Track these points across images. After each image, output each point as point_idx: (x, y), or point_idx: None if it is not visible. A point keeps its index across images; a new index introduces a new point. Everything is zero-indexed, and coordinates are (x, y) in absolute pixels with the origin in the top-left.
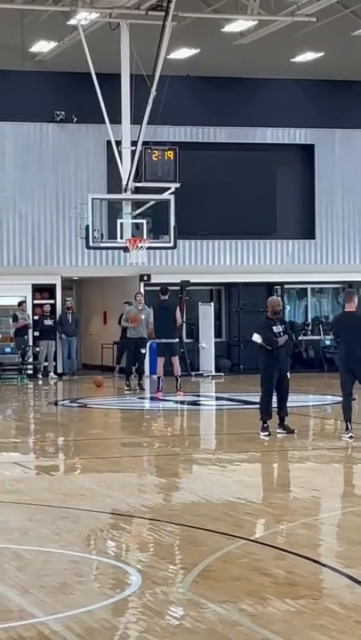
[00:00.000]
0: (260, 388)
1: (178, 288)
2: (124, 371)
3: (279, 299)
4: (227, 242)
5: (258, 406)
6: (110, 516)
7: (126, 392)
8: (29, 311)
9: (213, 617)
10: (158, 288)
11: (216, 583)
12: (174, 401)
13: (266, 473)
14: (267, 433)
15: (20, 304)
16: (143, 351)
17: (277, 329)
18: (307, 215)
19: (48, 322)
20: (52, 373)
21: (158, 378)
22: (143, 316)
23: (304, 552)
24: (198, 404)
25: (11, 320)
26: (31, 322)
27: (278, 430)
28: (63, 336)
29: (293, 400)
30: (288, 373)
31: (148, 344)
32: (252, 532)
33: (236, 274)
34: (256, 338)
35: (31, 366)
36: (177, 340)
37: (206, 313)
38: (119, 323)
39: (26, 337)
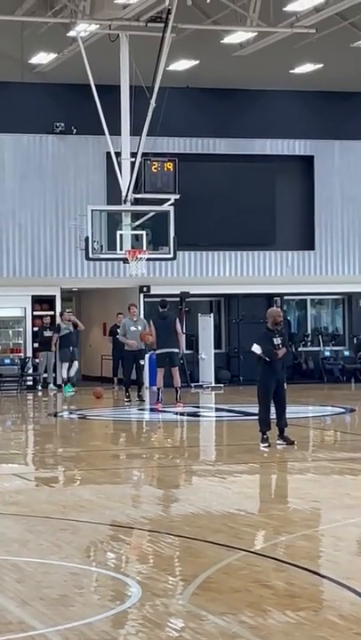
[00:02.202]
0: (258, 400)
1: (177, 299)
2: (122, 382)
3: (280, 310)
4: (226, 253)
5: (257, 418)
6: (110, 528)
7: (126, 403)
8: (29, 323)
9: (214, 629)
10: (158, 300)
11: (216, 595)
12: (174, 412)
13: (266, 484)
14: (267, 444)
15: (61, 314)
16: (142, 362)
17: (277, 341)
18: (306, 226)
19: (48, 333)
20: (51, 385)
21: (158, 389)
22: (140, 327)
23: (304, 564)
24: (198, 416)
25: (53, 332)
26: (73, 329)
27: (278, 442)
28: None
29: (293, 411)
30: (285, 384)
31: (147, 355)
32: (252, 543)
33: (235, 285)
34: (256, 349)
35: (30, 378)
36: (177, 349)
37: (206, 324)
38: (109, 334)
39: (71, 347)
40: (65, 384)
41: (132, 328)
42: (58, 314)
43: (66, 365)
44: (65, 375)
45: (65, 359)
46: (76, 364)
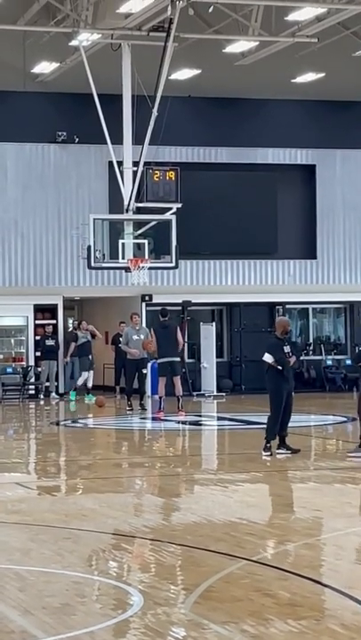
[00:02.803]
0: (270, 408)
1: (179, 308)
2: (124, 391)
3: (288, 319)
4: (228, 262)
5: (263, 426)
6: (112, 537)
7: (128, 412)
8: (31, 332)
9: (215, 638)
10: (160, 309)
11: (218, 604)
12: (176, 421)
13: (268, 493)
14: (269, 453)
15: (79, 323)
16: (145, 371)
17: (287, 349)
18: (308, 235)
19: (50, 342)
20: (53, 393)
21: (160, 398)
22: (142, 336)
23: (306, 573)
24: (200, 425)
25: (71, 340)
26: (91, 338)
27: (279, 450)
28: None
29: (295, 420)
30: (292, 393)
31: (148, 364)
32: (253, 552)
33: (237, 294)
34: (267, 358)
35: (33, 386)
36: (179, 358)
37: (208, 333)
38: (111, 343)
39: (90, 357)
40: (73, 390)
41: (135, 337)
42: (77, 323)
43: (85, 374)
44: (80, 383)
45: (85, 368)
46: (91, 372)
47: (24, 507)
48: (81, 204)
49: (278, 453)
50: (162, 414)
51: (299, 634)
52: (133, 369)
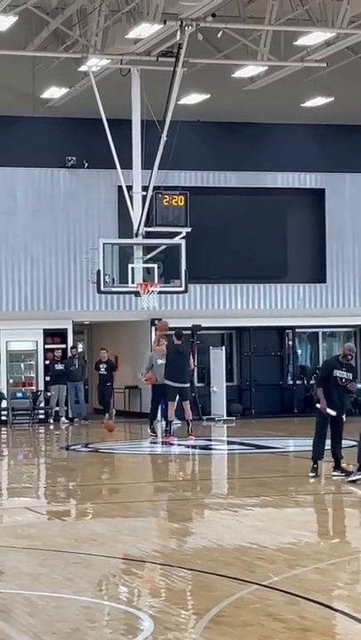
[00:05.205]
0: (315, 429)
1: (189, 332)
2: (149, 416)
3: (352, 345)
4: (238, 286)
5: (274, 450)
6: (122, 562)
7: (151, 437)
8: (41, 356)
9: None
10: (173, 332)
11: (228, 629)
12: (186, 445)
13: (278, 517)
14: (314, 474)
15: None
16: None
17: (341, 373)
18: (317, 259)
19: (59, 366)
20: (63, 418)
21: (170, 422)
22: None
23: (317, 597)
24: (210, 449)
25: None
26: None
27: (334, 473)
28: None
29: (304, 444)
30: (343, 417)
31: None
32: (264, 576)
33: (247, 318)
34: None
35: (42, 411)
36: (188, 384)
37: (218, 357)
38: (95, 368)
39: None
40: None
41: (160, 361)
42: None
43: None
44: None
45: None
46: None
47: (34, 531)
48: (90, 229)
49: (333, 476)
50: (172, 439)
51: None
52: (158, 394)
